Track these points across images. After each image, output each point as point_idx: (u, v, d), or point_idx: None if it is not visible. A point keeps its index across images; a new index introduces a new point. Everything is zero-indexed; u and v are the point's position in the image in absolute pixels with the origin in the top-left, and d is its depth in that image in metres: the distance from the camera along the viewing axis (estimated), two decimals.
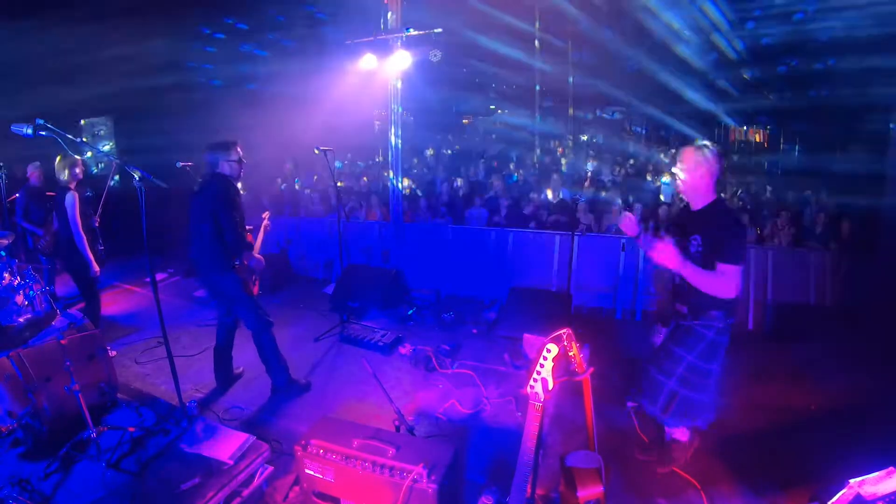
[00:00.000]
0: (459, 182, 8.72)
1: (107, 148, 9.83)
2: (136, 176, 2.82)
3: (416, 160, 11.91)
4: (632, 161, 11.53)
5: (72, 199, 4.24)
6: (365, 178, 9.72)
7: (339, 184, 8.87)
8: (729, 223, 2.54)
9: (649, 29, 12.32)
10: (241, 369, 4.13)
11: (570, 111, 15.55)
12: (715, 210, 2.60)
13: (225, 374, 3.98)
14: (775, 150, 14.88)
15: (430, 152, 12.94)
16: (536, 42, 13.87)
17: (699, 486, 2.85)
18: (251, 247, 3.70)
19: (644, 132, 16.70)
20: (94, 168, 8.42)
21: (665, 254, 2.47)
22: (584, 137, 15.80)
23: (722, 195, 2.55)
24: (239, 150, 3.63)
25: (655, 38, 12.55)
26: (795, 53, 12.34)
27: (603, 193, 7.82)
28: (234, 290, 3.67)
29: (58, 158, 4.25)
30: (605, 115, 17.15)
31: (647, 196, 7.99)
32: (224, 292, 3.73)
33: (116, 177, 9.09)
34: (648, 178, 9.68)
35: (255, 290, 3.92)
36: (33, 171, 5.26)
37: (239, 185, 3.70)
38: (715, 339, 2.69)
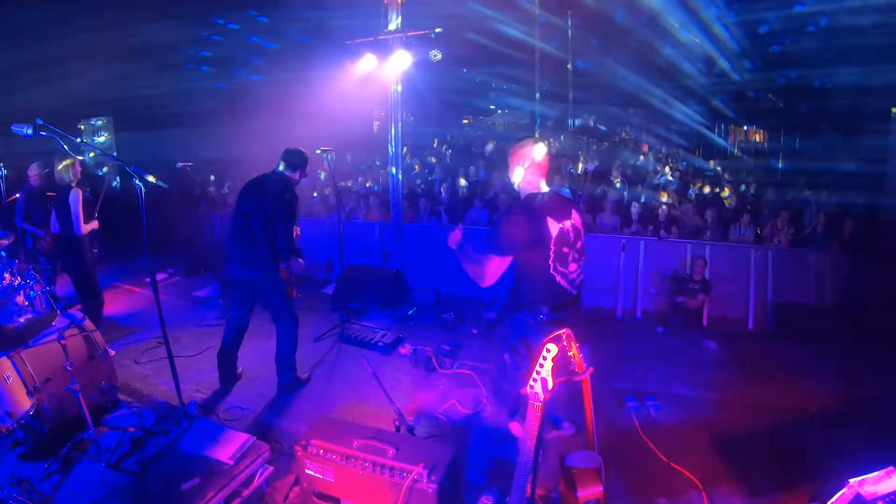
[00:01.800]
0: (462, 182, 8.70)
1: (102, 139, 9.77)
2: (135, 177, 2.81)
3: (407, 157, 11.87)
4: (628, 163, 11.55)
5: (76, 196, 4.31)
6: (350, 183, 9.58)
7: (321, 173, 8.83)
8: (500, 212, 2.59)
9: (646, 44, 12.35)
10: (241, 369, 4.13)
11: (571, 112, 15.56)
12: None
13: (229, 375, 3.99)
14: (775, 149, 14.89)
15: (432, 158, 12.90)
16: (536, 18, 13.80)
17: (700, 485, 2.85)
18: (300, 252, 3.73)
19: (639, 138, 16.73)
20: (87, 158, 8.32)
21: (452, 238, 2.66)
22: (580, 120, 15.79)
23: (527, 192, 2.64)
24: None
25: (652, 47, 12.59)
26: (798, 56, 12.35)
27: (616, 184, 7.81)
28: (277, 288, 3.69)
29: (57, 159, 4.28)
30: (601, 127, 17.16)
31: (647, 195, 7.97)
32: (260, 285, 3.69)
33: (117, 179, 9.09)
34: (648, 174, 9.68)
35: (293, 293, 3.94)
36: (33, 172, 5.27)
37: None
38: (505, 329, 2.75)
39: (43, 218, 5.14)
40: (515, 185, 2.69)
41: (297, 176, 3.71)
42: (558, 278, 2.55)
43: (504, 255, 2.52)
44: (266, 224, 3.50)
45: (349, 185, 9.45)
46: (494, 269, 2.54)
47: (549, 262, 2.51)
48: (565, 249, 2.56)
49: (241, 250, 3.61)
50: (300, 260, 3.77)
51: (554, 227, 2.52)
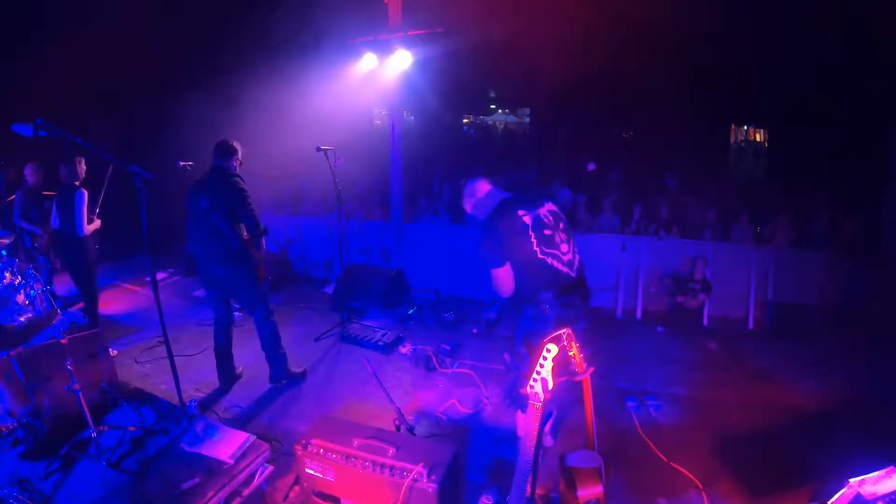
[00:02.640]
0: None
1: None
2: (136, 176, 2.81)
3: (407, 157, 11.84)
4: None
5: (81, 196, 4.34)
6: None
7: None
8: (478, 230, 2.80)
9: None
10: (240, 369, 4.14)
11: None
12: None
13: (228, 374, 4.00)
14: (776, 149, 14.86)
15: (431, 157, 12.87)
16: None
17: (700, 485, 2.85)
18: (266, 231, 3.78)
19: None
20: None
21: None
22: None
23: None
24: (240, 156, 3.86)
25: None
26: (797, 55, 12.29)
27: None
28: (245, 278, 3.73)
29: (63, 158, 4.31)
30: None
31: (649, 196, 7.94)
32: (231, 282, 3.76)
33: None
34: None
35: (263, 274, 3.96)
36: (30, 172, 5.29)
37: None
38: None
39: (40, 216, 5.15)
40: (481, 213, 2.84)
41: (233, 164, 3.78)
42: (550, 260, 2.61)
43: (499, 264, 2.63)
44: (228, 214, 3.58)
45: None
46: (505, 277, 2.66)
47: (535, 248, 2.59)
48: (547, 232, 2.64)
49: (214, 248, 3.66)
50: (263, 244, 3.82)
51: (527, 216, 2.64)
